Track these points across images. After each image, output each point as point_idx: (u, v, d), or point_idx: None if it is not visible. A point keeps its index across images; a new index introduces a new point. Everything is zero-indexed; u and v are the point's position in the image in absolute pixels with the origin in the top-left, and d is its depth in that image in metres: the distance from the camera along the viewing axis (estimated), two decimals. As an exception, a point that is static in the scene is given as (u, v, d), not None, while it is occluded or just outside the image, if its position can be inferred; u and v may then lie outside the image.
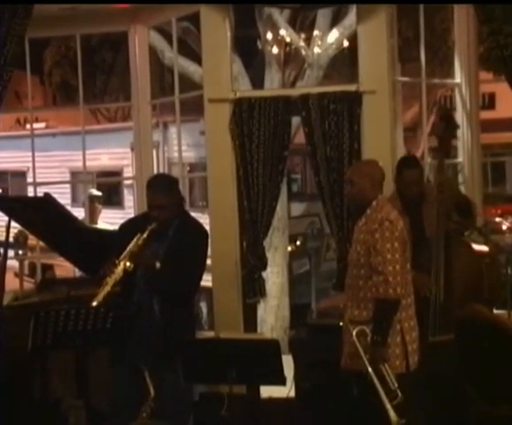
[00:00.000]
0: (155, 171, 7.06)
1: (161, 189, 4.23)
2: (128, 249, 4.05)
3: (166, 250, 4.19)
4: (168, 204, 4.18)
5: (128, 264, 4.00)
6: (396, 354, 4.04)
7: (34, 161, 6.55)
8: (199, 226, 4.41)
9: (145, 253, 4.09)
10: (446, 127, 4.78)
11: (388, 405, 3.68)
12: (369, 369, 3.82)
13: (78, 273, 6.43)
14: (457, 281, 4.57)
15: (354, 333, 3.97)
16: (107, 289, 3.94)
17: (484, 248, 4.86)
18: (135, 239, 4.08)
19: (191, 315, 4.45)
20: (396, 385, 3.82)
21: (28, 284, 8.66)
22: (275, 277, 9.46)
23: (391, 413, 3.64)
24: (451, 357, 4.22)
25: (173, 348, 4.03)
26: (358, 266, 4.13)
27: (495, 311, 5.09)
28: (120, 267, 3.99)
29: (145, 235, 4.08)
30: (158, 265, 4.10)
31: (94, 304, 3.88)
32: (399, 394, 3.77)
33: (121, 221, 4.65)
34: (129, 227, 4.32)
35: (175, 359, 4.03)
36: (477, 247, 4.77)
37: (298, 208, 14.08)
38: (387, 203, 4.23)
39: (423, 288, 4.49)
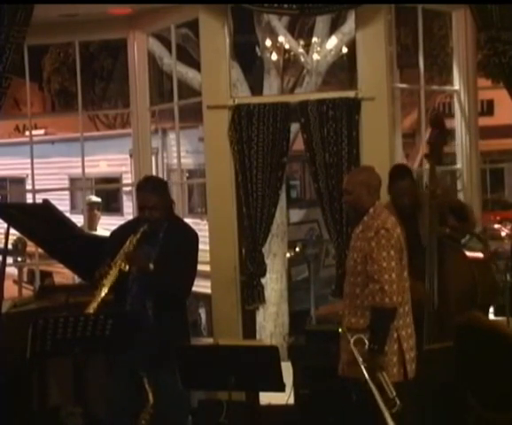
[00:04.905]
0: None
1: (151, 190, 4.24)
2: (122, 250, 4.06)
3: (158, 252, 4.20)
4: (159, 204, 4.20)
5: (123, 265, 4.02)
6: (393, 362, 4.02)
7: (33, 168, 6.54)
8: (189, 228, 4.43)
9: (138, 254, 4.10)
10: (437, 133, 4.78)
11: (386, 414, 3.66)
12: (367, 378, 3.81)
13: (77, 279, 6.43)
14: (451, 288, 4.56)
15: (352, 341, 3.95)
16: (104, 290, 3.95)
17: (479, 254, 4.86)
18: (127, 241, 4.09)
19: (185, 318, 4.45)
20: (394, 393, 3.80)
21: (27, 291, 8.66)
22: (274, 284, 9.47)
23: (390, 422, 3.62)
24: (446, 364, 4.21)
25: (169, 351, 4.03)
26: (355, 274, 4.12)
27: (495, 317, 5.10)
28: (116, 269, 4.00)
29: (138, 236, 4.10)
30: (151, 266, 4.12)
31: (90, 311, 3.89)
32: (398, 402, 3.76)
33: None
34: (121, 234, 4.32)
35: (172, 363, 4.03)
36: (470, 254, 4.77)
37: (296, 214, 14.10)
38: (384, 209, 4.20)
39: (419, 297, 4.47)
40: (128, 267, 4.05)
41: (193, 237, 4.33)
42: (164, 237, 4.26)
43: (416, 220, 4.72)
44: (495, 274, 5.02)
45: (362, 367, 3.86)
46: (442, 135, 4.80)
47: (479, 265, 4.73)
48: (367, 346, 3.91)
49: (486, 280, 4.70)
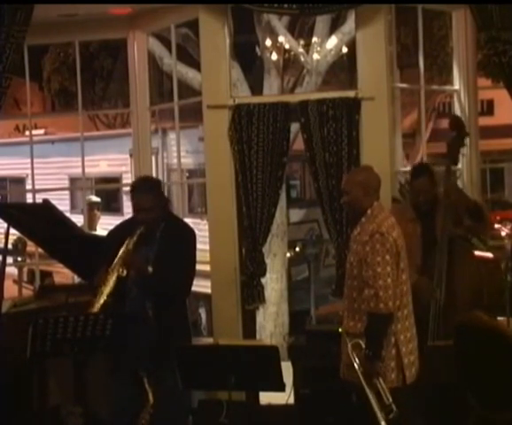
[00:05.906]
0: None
1: (146, 191, 4.23)
2: (119, 255, 4.05)
3: (156, 253, 4.19)
4: (154, 205, 4.19)
5: (120, 270, 4.00)
6: (391, 367, 3.97)
7: (33, 168, 6.54)
8: (186, 226, 4.42)
9: (137, 258, 4.09)
10: (456, 135, 4.82)
11: (381, 420, 3.65)
12: (364, 384, 3.79)
13: (77, 279, 6.43)
14: (458, 287, 4.56)
15: (349, 346, 3.93)
16: (103, 297, 3.94)
17: (489, 254, 4.86)
18: (124, 245, 4.08)
19: (186, 318, 4.45)
20: (390, 400, 3.76)
21: (27, 291, 8.66)
22: (274, 283, 9.47)
23: None
24: (448, 362, 4.21)
25: (169, 351, 4.03)
26: (351, 277, 4.08)
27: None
28: (114, 275, 3.99)
29: (135, 239, 4.08)
30: (150, 269, 4.11)
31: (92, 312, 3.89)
32: (394, 408, 3.73)
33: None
34: (119, 233, 4.31)
35: (172, 363, 4.03)
36: (480, 254, 4.77)
37: (296, 214, 14.10)
38: (383, 210, 4.14)
39: (426, 293, 4.47)
40: (125, 272, 4.03)
41: (190, 235, 4.31)
42: (161, 237, 4.24)
43: (433, 218, 4.73)
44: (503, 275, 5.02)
45: (359, 372, 3.85)
46: (460, 137, 4.85)
47: (488, 265, 4.74)
48: (363, 352, 3.88)
49: (494, 281, 4.70)
